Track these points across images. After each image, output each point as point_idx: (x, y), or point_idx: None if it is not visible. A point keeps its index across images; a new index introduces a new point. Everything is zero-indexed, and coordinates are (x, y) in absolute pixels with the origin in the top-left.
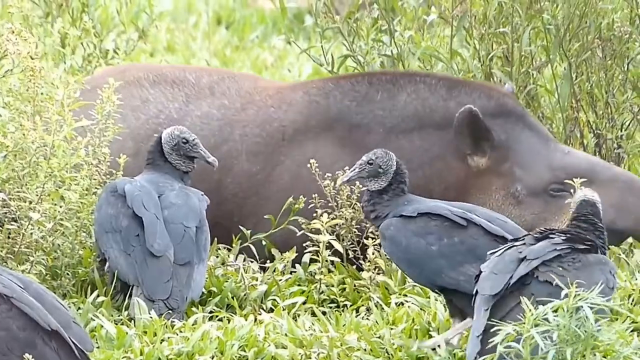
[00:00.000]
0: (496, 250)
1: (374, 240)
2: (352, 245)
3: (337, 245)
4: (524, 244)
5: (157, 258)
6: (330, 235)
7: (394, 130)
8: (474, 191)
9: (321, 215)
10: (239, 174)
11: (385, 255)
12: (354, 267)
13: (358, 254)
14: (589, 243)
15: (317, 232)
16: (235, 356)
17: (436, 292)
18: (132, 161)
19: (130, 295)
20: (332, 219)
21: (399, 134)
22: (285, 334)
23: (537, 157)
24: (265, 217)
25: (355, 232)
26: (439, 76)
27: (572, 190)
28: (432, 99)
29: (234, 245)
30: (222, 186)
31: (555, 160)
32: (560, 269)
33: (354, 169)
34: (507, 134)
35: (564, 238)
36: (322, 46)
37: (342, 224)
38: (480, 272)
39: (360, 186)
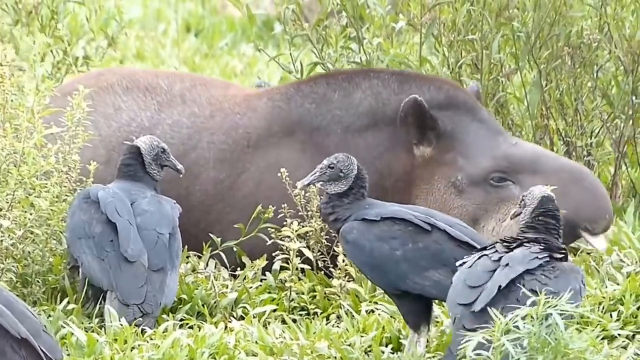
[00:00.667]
0: (465, 260)
1: None
2: (321, 256)
3: (308, 253)
4: (496, 251)
5: (131, 263)
6: (300, 243)
7: (350, 129)
8: (418, 182)
9: (291, 223)
10: (206, 181)
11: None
12: (323, 273)
13: (328, 264)
14: (563, 251)
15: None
16: None
17: (393, 296)
18: (104, 168)
19: (104, 301)
20: (302, 227)
21: (354, 133)
22: (256, 342)
23: (481, 147)
24: (235, 226)
25: (324, 242)
26: (392, 71)
27: (514, 181)
28: (384, 93)
29: (204, 252)
30: (189, 193)
31: (499, 150)
32: (544, 277)
33: (315, 173)
34: (454, 125)
35: (542, 247)
36: (291, 54)
37: (311, 233)
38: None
39: None
